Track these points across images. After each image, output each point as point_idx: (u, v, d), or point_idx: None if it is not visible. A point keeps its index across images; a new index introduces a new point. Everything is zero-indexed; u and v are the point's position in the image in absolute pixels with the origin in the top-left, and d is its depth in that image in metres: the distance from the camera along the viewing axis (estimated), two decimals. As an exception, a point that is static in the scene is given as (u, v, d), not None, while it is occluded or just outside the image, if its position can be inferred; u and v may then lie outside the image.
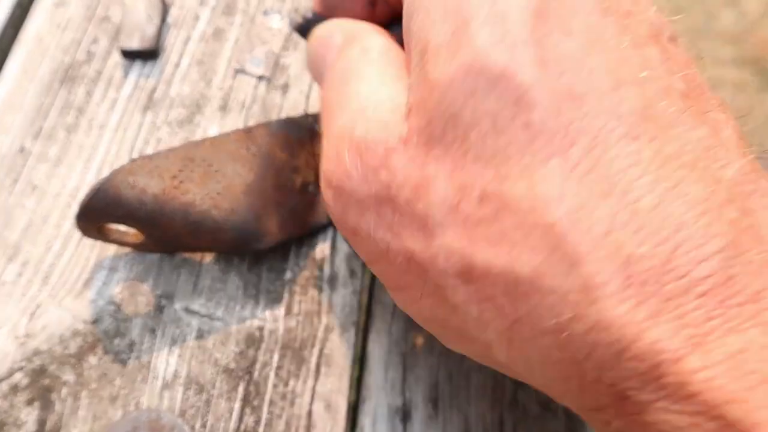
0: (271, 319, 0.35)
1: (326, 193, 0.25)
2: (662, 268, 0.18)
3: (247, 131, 0.36)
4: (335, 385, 0.33)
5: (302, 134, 0.38)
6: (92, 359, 0.33)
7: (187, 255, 0.36)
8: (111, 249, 0.36)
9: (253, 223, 0.34)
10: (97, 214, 0.32)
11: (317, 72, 0.29)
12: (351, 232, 0.24)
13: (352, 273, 0.36)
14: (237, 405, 0.32)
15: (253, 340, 0.34)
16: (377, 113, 0.24)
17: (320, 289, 0.36)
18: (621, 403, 0.19)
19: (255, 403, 0.33)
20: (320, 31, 0.30)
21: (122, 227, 0.34)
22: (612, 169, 0.19)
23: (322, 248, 0.37)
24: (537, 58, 0.20)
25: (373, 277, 0.37)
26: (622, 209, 0.19)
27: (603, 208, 0.19)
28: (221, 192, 0.33)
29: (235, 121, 0.40)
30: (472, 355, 0.25)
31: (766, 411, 0.17)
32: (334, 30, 0.29)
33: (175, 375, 0.33)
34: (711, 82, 0.22)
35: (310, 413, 0.33)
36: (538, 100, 0.20)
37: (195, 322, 0.34)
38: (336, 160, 0.24)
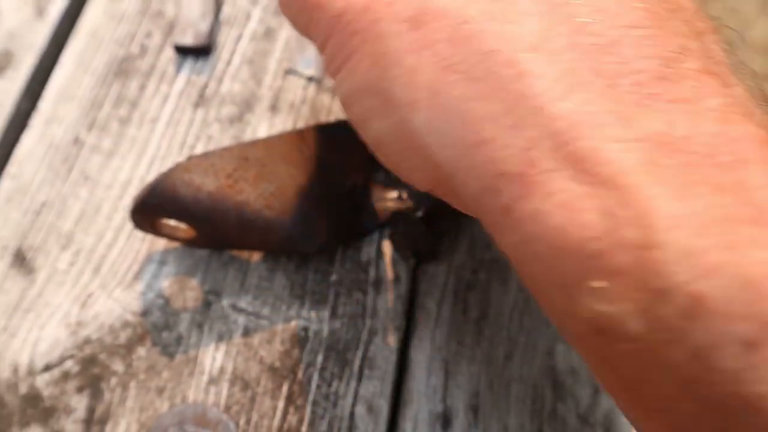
0: (316, 320, 0.35)
1: None
2: (606, 47, 0.18)
3: (300, 133, 0.36)
4: (377, 388, 0.34)
5: (352, 137, 0.38)
6: (141, 351, 0.34)
7: (235, 253, 0.36)
8: (161, 243, 0.36)
9: (303, 225, 0.34)
10: (152, 209, 0.32)
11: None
12: (312, 8, 0.24)
13: (397, 277, 0.37)
14: (281, 403, 0.33)
15: (298, 340, 0.35)
16: None
17: (365, 293, 0.36)
18: (525, 171, 0.18)
19: (299, 402, 0.33)
20: None
21: (174, 222, 0.35)
22: None
23: (367, 251, 0.37)
24: None
25: (416, 284, 0.37)
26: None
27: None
28: (274, 192, 0.34)
29: (284, 122, 0.41)
30: (386, 136, 0.23)
31: (671, 186, 0.16)
32: None
33: (221, 371, 0.34)
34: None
35: (352, 415, 0.33)
36: None
37: (241, 319, 0.35)
38: None
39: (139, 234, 0.37)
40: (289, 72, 0.42)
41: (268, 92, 0.42)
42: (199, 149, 0.39)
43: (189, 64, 0.42)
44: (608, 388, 0.20)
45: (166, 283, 0.35)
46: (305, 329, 0.35)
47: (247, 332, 0.35)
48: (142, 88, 0.41)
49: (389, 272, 0.37)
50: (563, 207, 0.17)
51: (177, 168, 0.32)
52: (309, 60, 0.43)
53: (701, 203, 0.16)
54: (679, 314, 0.15)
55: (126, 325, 0.34)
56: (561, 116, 0.17)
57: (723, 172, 0.16)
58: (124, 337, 0.34)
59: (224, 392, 0.33)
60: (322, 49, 0.25)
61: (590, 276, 0.16)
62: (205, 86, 0.41)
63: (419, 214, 0.35)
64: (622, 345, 0.17)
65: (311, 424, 0.33)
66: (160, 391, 0.33)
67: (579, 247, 0.17)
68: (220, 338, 0.34)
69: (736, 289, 0.15)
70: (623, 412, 0.20)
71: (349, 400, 0.33)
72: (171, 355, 0.34)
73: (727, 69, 0.19)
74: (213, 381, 0.33)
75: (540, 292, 0.19)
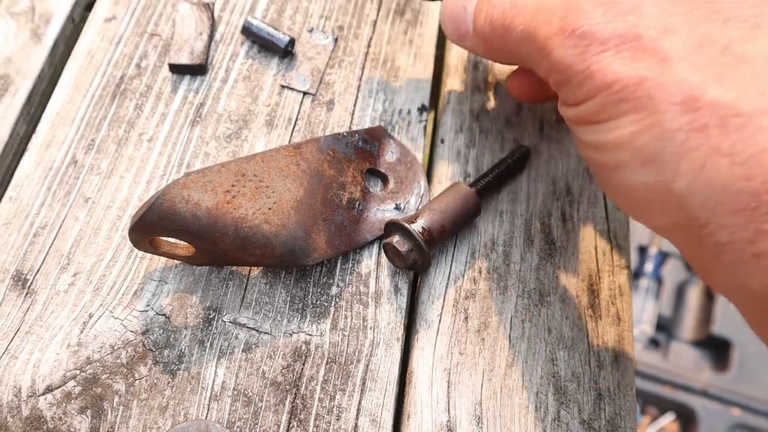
0: (318, 333, 0.35)
1: (565, 44, 0.29)
2: None
3: (297, 147, 0.36)
4: (380, 400, 0.34)
5: (349, 152, 0.39)
6: (143, 369, 0.34)
7: (234, 268, 0.37)
8: (160, 261, 0.37)
9: (302, 238, 0.34)
10: (151, 228, 0.32)
11: (456, 18, 0.35)
12: (583, 70, 0.29)
13: (396, 289, 0.37)
14: (284, 418, 0.33)
15: (300, 354, 0.35)
16: None
17: (365, 305, 0.36)
18: (706, 236, 0.26)
19: (302, 416, 0.33)
20: None
21: (173, 240, 0.35)
22: None
23: (367, 264, 0.37)
24: None
25: (416, 294, 0.38)
26: None
27: None
28: (272, 207, 0.34)
29: (281, 137, 0.41)
30: (646, 188, 0.28)
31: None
32: None
33: (223, 387, 0.34)
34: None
35: (355, 428, 0.33)
36: None
37: (242, 334, 0.35)
38: (578, 13, 0.29)
39: (139, 253, 0.37)
40: (285, 87, 0.43)
41: (265, 108, 0.42)
42: (196, 167, 0.39)
43: (185, 82, 0.42)
44: None
45: (166, 301, 0.35)
46: (307, 343, 0.35)
47: (248, 347, 0.35)
48: (139, 108, 0.41)
49: (389, 284, 0.37)
50: None
51: (175, 185, 0.32)
52: (304, 76, 0.43)
53: None
54: None
55: (127, 343, 0.34)
56: None
57: None
58: (125, 356, 0.34)
59: (227, 408, 0.33)
60: (571, 103, 0.30)
61: None
62: (202, 104, 0.42)
63: (415, 226, 0.35)
64: None
65: (315, 438, 0.33)
66: (163, 409, 0.33)
67: None
68: (221, 354, 0.34)
69: None
70: None
71: (353, 412, 0.33)
72: (173, 373, 0.34)
73: None
74: (215, 397, 0.33)
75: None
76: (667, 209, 0.28)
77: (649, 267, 1.33)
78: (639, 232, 1.34)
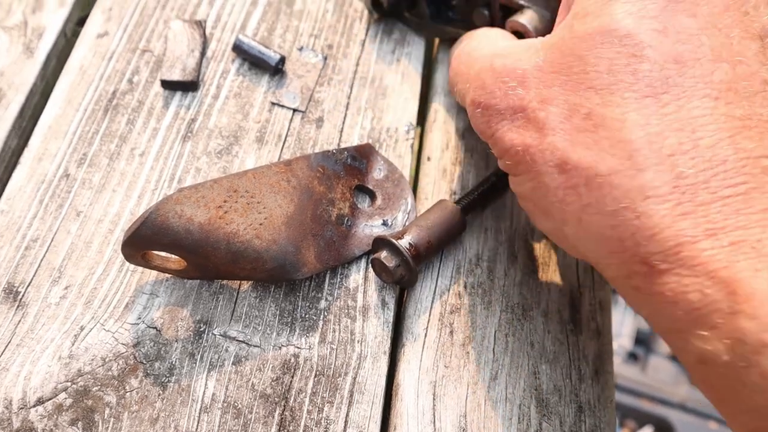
0: (306, 346, 0.36)
1: (475, 113, 0.34)
2: (700, 185, 0.27)
3: (287, 164, 0.37)
4: (368, 412, 0.35)
5: (338, 168, 0.40)
6: (134, 381, 0.34)
7: (225, 282, 0.37)
8: (152, 275, 0.37)
9: (292, 253, 0.35)
10: (144, 242, 0.33)
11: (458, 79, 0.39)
12: (490, 137, 0.33)
13: (384, 304, 0.38)
14: (273, 430, 0.34)
15: (289, 367, 0.35)
16: (512, 52, 0.33)
17: (353, 319, 0.37)
18: (648, 270, 0.27)
19: (291, 428, 0.34)
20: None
21: (165, 254, 0.36)
22: (690, 114, 0.28)
23: (355, 279, 0.38)
24: (661, 27, 0.29)
25: (403, 309, 0.38)
26: (687, 141, 0.27)
27: (673, 137, 0.28)
28: (263, 223, 0.35)
29: (271, 153, 0.42)
30: (549, 232, 0.33)
31: (748, 273, 0.25)
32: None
33: (213, 399, 0.34)
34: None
35: (343, 439, 0.34)
36: (649, 56, 0.29)
37: (232, 347, 0.35)
38: (481, 89, 0.34)
39: (130, 267, 0.37)
40: (275, 105, 0.44)
41: (255, 125, 0.43)
42: (188, 182, 0.40)
43: (177, 98, 0.43)
44: (709, 398, 0.29)
45: (157, 314, 0.36)
46: (295, 356, 0.36)
47: (238, 360, 0.35)
48: (131, 123, 0.42)
49: (376, 298, 0.38)
50: (675, 291, 0.27)
51: (168, 200, 0.33)
52: (294, 93, 0.44)
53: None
54: (752, 351, 0.24)
55: (118, 356, 0.35)
56: (669, 238, 0.27)
57: None
58: (116, 368, 0.34)
59: (217, 420, 0.34)
60: (499, 158, 0.34)
61: (697, 328, 0.26)
62: (193, 120, 0.42)
63: (402, 242, 0.36)
64: (717, 370, 0.26)
65: (303, 449, 0.33)
66: (153, 421, 0.33)
67: (688, 313, 0.26)
68: (211, 367, 0.35)
69: None
70: (721, 416, 0.29)
71: (340, 424, 0.34)
72: (163, 385, 0.34)
73: None
74: (205, 409, 0.34)
75: (665, 335, 0.29)
76: (571, 251, 0.33)
77: (628, 281, 1.35)
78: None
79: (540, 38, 0.34)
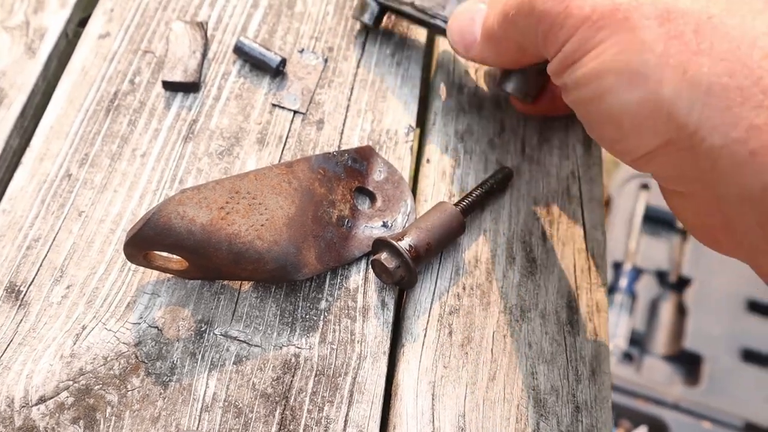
0: (307, 346, 0.36)
1: None
2: None
3: (289, 166, 0.38)
4: (367, 411, 0.35)
5: (339, 170, 0.40)
6: (135, 380, 0.34)
7: (226, 283, 0.38)
8: (153, 275, 0.37)
9: (293, 254, 0.36)
10: (146, 242, 0.33)
11: (463, 29, 0.39)
12: (563, 11, 0.31)
13: (383, 304, 0.38)
14: (274, 429, 0.34)
15: (290, 367, 0.36)
16: None
17: (353, 319, 0.37)
18: (699, 143, 0.26)
19: (291, 427, 0.34)
20: (461, 4, 0.40)
21: (167, 254, 0.36)
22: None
23: (355, 280, 0.39)
24: None
25: (402, 310, 0.39)
26: None
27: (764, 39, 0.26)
28: (264, 224, 0.35)
29: (272, 154, 0.42)
30: (633, 105, 0.29)
31: None
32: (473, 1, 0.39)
33: (214, 398, 0.34)
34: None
35: (343, 439, 0.34)
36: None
37: (233, 347, 0.36)
38: None
39: (132, 267, 0.38)
40: (276, 106, 0.44)
41: (256, 126, 0.43)
42: (189, 183, 0.40)
43: (178, 99, 0.43)
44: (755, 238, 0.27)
45: (158, 314, 0.36)
46: (296, 356, 0.36)
47: (239, 360, 0.35)
48: (133, 123, 0.42)
49: (376, 299, 0.38)
50: None
51: (171, 201, 0.33)
52: (294, 95, 0.44)
53: None
54: None
55: (120, 355, 0.35)
56: None
57: None
58: (118, 367, 0.35)
59: (218, 419, 0.34)
60: (556, 50, 0.32)
61: None
62: (195, 121, 0.43)
63: (402, 243, 0.37)
64: None
65: (304, 448, 0.34)
66: (155, 420, 0.34)
67: None
68: (213, 366, 0.35)
69: None
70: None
71: (340, 424, 0.34)
72: (165, 384, 0.34)
73: None
74: (206, 408, 0.34)
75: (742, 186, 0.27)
76: (657, 126, 0.28)
77: (623, 282, 1.36)
78: (614, 249, 1.36)
79: None
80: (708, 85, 0.26)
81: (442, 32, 0.43)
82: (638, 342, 1.33)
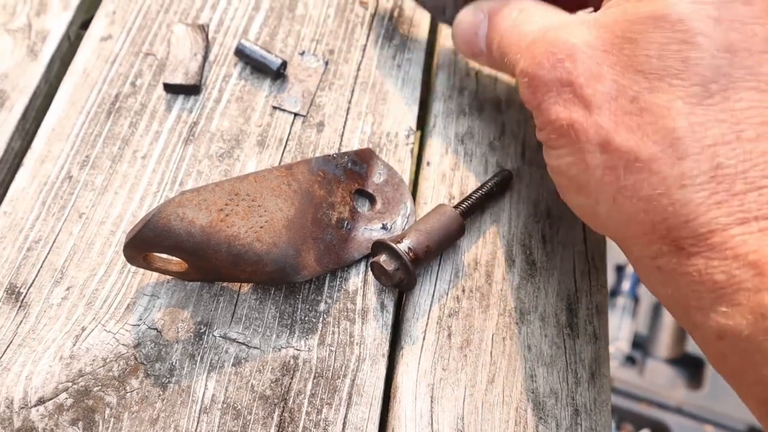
0: (306, 348, 0.36)
1: (522, 83, 0.35)
2: (738, 176, 0.28)
3: (288, 168, 0.38)
4: (366, 414, 0.35)
5: (338, 173, 0.40)
6: (134, 382, 0.34)
7: (225, 284, 0.38)
8: (153, 276, 0.37)
9: (292, 256, 0.36)
10: (146, 244, 0.33)
11: (469, 41, 0.41)
12: (536, 107, 0.34)
13: (382, 307, 0.38)
14: (272, 431, 0.34)
15: (288, 369, 0.36)
16: (564, 26, 0.34)
17: (352, 321, 0.37)
18: (676, 252, 0.29)
19: (290, 429, 0.34)
20: (463, 13, 0.42)
21: (166, 256, 0.36)
22: (735, 105, 0.28)
23: (354, 282, 0.39)
24: (716, 15, 0.29)
25: (401, 312, 0.39)
26: (729, 133, 0.28)
27: (716, 128, 0.28)
28: (264, 226, 0.35)
29: (272, 157, 0.42)
30: (578, 208, 0.34)
31: None
32: (474, 10, 0.41)
33: (213, 400, 0.34)
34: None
35: (341, 441, 0.34)
36: (701, 44, 0.29)
37: (232, 349, 0.36)
38: (531, 59, 0.34)
39: (131, 268, 0.38)
40: (277, 109, 0.44)
41: (256, 129, 0.43)
42: (189, 185, 0.41)
43: (179, 102, 0.44)
44: (722, 373, 0.29)
45: (158, 316, 0.36)
46: (295, 358, 0.36)
47: (238, 361, 0.36)
48: (134, 126, 0.42)
49: (375, 301, 0.38)
50: (702, 272, 0.28)
51: (170, 203, 0.33)
52: (295, 98, 0.44)
53: None
54: None
55: (119, 357, 0.35)
56: (701, 225, 0.28)
57: None
58: (117, 369, 0.35)
59: (216, 421, 0.34)
60: (539, 129, 0.35)
61: (719, 305, 0.27)
62: (195, 123, 0.43)
63: (401, 245, 0.37)
64: (736, 344, 0.27)
65: (302, 450, 0.34)
66: (153, 421, 0.34)
67: (712, 291, 0.28)
68: (211, 368, 0.35)
69: None
70: (734, 390, 0.29)
71: (339, 426, 0.34)
72: (163, 386, 0.35)
73: None
74: (205, 410, 0.34)
75: (683, 312, 0.30)
76: (598, 227, 0.34)
77: (626, 285, 1.36)
78: (617, 252, 1.36)
79: (593, 14, 0.34)
80: (629, 216, 0.30)
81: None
82: (641, 345, 1.33)
